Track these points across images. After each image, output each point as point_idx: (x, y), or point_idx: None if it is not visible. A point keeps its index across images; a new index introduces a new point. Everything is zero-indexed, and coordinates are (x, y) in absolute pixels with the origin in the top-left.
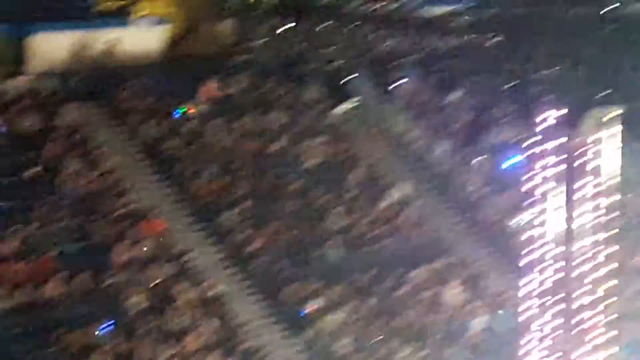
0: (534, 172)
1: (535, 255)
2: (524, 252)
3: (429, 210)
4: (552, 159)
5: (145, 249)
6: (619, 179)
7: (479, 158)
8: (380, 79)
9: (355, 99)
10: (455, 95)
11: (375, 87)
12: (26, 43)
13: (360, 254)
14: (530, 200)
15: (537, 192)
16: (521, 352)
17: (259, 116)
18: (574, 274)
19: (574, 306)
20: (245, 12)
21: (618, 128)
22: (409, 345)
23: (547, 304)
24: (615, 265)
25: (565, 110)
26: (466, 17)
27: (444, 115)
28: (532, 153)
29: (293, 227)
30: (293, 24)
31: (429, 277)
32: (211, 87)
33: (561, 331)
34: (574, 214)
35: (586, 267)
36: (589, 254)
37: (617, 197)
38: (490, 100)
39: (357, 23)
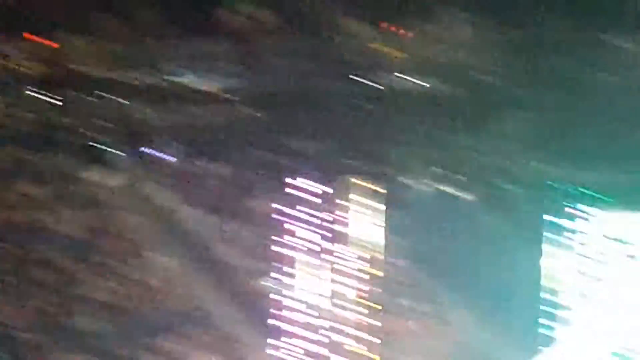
0: (293, 242)
1: (295, 326)
2: (281, 322)
3: (187, 279)
4: (314, 230)
5: None
6: (381, 250)
7: (237, 227)
8: (141, 150)
9: (116, 169)
10: (215, 167)
11: (136, 159)
12: None
13: (117, 323)
14: (289, 271)
15: (297, 262)
16: None
17: (13, 186)
18: (335, 346)
19: None
20: (2, 81)
21: (381, 200)
22: None
23: None
24: (372, 333)
25: (327, 182)
26: (229, 90)
27: (203, 186)
28: (293, 223)
29: (45, 297)
30: (52, 94)
31: (186, 345)
32: None
33: None
34: (336, 285)
35: (343, 336)
36: (344, 324)
37: (379, 268)
38: (249, 172)
39: (119, 95)
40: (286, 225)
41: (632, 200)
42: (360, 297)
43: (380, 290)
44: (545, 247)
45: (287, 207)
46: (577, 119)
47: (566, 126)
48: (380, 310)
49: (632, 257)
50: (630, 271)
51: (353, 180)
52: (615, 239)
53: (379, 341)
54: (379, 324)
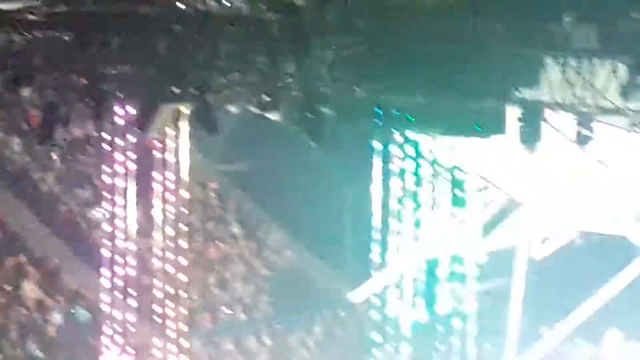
0: (108, 168)
1: (112, 249)
2: (101, 247)
3: (4, 207)
4: (126, 156)
5: None
6: (188, 175)
7: (53, 154)
8: None
9: None
10: (25, 92)
11: None
12: None
13: None
14: (105, 196)
15: (113, 188)
16: (101, 345)
17: None
18: (150, 268)
19: (152, 298)
20: None
21: (187, 125)
22: None
23: (125, 297)
24: (189, 257)
25: (136, 108)
26: (36, 12)
27: (15, 112)
28: (107, 150)
29: None
30: None
31: (5, 273)
32: None
33: (140, 323)
34: (149, 209)
35: (161, 260)
36: (164, 248)
37: (188, 192)
38: (62, 98)
39: None
40: (101, 151)
41: (455, 125)
42: (170, 221)
43: (189, 213)
44: (374, 173)
45: (102, 133)
46: (398, 45)
47: (389, 53)
48: (188, 232)
49: (456, 180)
50: (455, 193)
51: (165, 104)
52: (440, 164)
53: (186, 263)
54: (187, 246)
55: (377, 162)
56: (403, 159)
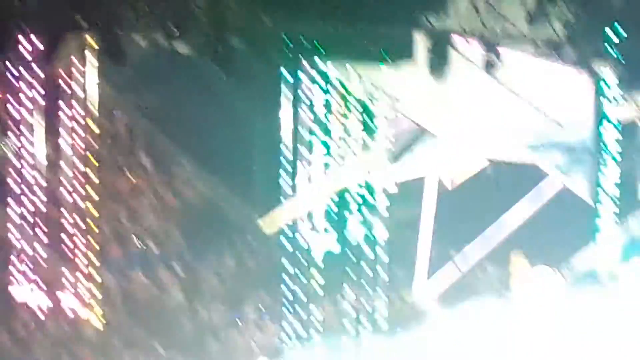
0: (14, 101)
1: (21, 184)
2: (8, 180)
3: None
4: (32, 88)
5: None
6: (97, 107)
7: None
8: None
9: None
10: None
11: None
12: None
13: None
14: (12, 130)
15: (20, 122)
16: (11, 280)
17: None
18: (59, 201)
19: (61, 232)
20: None
21: (95, 57)
22: None
23: (35, 231)
24: (99, 190)
25: (42, 39)
26: None
27: None
28: (12, 81)
29: None
30: None
31: None
32: None
33: (50, 258)
34: (57, 142)
35: (71, 194)
36: (74, 181)
37: (97, 125)
38: None
39: None
40: (8, 84)
41: (364, 53)
42: (79, 154)
43: (98, 146)
44: (283, 102)
45: (7, 65)
46: None
47: None
48: (97, 165)
49: (366, 109)
50: (365, 122)
51: (72, 35)
52: (350, 93)
53: (97, 197)
54: (96, 180)
55: (286, 91)
56: (312, 88)
